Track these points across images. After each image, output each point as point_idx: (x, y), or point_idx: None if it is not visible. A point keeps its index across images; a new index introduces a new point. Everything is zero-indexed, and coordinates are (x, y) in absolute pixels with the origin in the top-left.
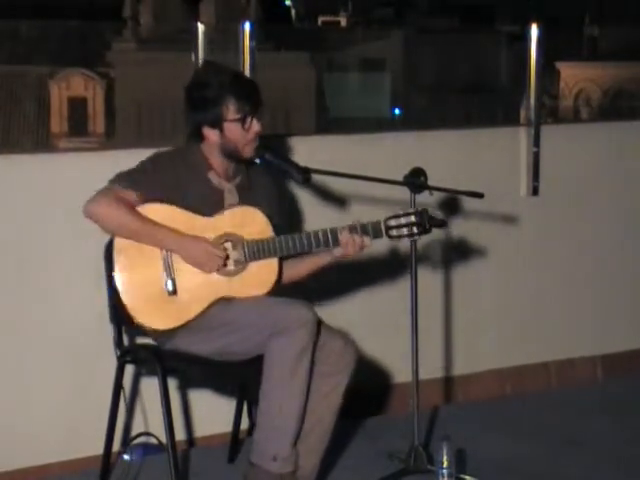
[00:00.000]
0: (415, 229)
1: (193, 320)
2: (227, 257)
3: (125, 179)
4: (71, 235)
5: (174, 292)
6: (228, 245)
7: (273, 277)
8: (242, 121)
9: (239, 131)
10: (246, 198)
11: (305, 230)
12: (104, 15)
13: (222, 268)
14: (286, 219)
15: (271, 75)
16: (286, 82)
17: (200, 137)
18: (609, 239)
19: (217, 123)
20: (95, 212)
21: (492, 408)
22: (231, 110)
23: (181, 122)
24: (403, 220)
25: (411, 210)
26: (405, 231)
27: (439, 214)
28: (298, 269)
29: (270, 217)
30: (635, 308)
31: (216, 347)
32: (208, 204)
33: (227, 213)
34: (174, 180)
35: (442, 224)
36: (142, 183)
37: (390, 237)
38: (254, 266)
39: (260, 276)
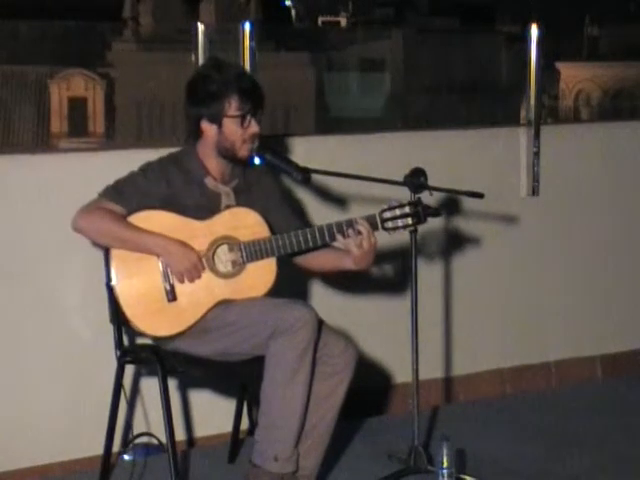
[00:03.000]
0: (410, 220)
1: (193, 325)
2: (207, 269)
3: (113, 193)
4: (71, 235)
5: (173, 298)
6: (225, 248)
7: (272, 277)
8: (242, 119)
9: (237, 129)
10: (244, 200)
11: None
12: (104, 15)
13: (216, 271)
14: (297, 214)
15: (271, 75)
16: (286, 82)
17: (198, 133)
18: (609, 239)
19: (216, 118)
20: (80, 225)
21: (492, 408)
22: (232, 106)
23: (181, 122)
24: (398, 211)
25: (405, 201)
26: (400, 222)
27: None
28: (323, 262)
29: (267, 218)
30: (635, 308)
31: (217, 348)
32: (205, 209)
33: (221, 216)
34: (167, 191)
35: (436, 213)
36: (130, 198)
37: (386, 229)
38: (252, 267)
39: (259, 277)
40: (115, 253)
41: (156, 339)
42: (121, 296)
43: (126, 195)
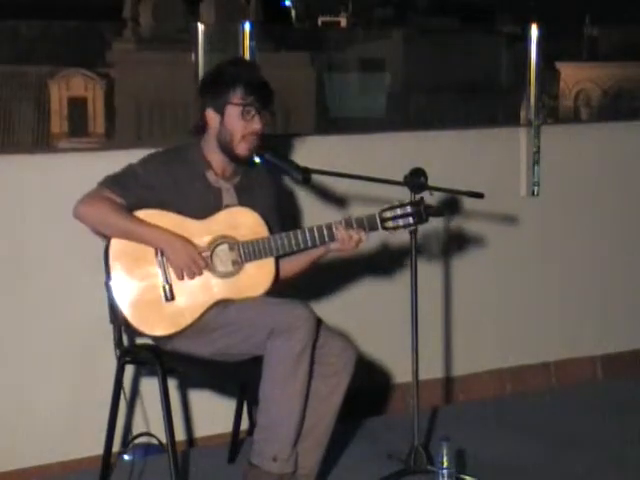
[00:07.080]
0: (411, 219)
1: (191, 325)
2: (207, 266)
3: (113, 183)
4: (71, 235)
5: (171, 298)
6: (224, 247)
7: (270, 277)
8: (242, 109)
9: (238, 120)
10: (245, 199)
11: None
12: (104, 15)
13: (214, 270)
14: (281, 224)
15: (271, 75)
16: (286, 82)
17: (204, 125)
18: (609, 239)
19: (220, 106)
20: (82, 212)
21: (492, 408)
22: (237, 95)
23: (181, 122)
24: (399, 211)
25: (406, 201)
26: (401, 222)
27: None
28: (293, 267)
29: (266, 218)
30: (635, 308)
31: (216, 348)
32: (205, 203)
33: (220, 215)
34: (168, 181)
35: (439, 213)
36: (130, 189)
37: (386, 229)
38: (250, 267)
39: (257, 277)
40: (114, 252)
41: (154, 339)
42: (119, 295)
43: (126, 186)
